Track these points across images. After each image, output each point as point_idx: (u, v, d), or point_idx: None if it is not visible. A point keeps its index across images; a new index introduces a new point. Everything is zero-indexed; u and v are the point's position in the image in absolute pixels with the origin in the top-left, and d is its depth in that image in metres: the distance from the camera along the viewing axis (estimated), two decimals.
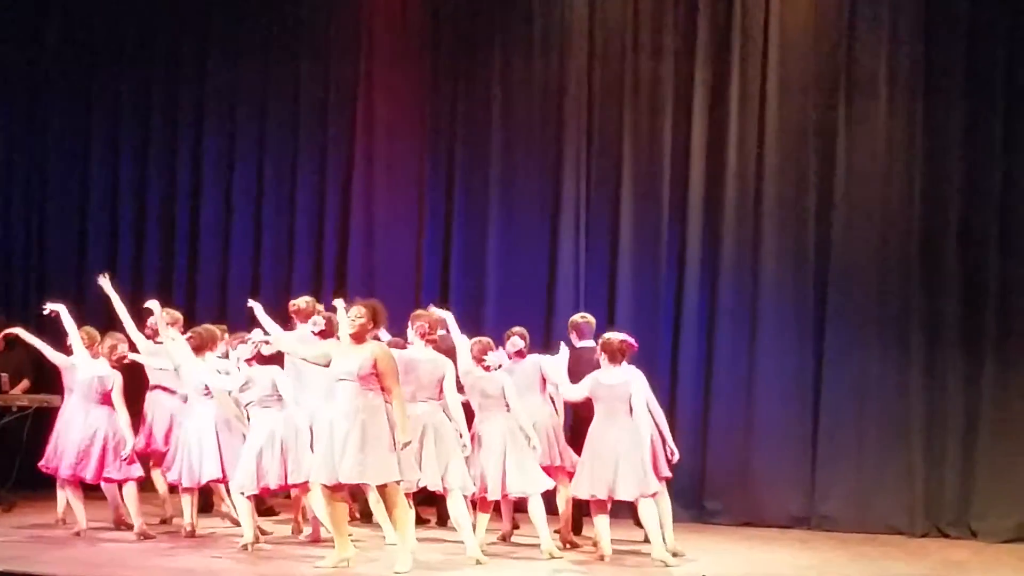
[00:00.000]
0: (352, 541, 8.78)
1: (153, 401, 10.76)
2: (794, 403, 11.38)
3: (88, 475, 9.94)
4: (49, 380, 11.65)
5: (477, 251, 12.47)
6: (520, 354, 9.99)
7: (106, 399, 10.00)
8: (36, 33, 13.64)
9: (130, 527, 10.02)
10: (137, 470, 10.06)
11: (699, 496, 11.48)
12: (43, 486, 11.69)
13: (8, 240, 13.66)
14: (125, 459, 9.97)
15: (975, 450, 10.94)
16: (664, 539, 9.16)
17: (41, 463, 10.27)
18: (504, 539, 9.98)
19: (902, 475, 11.07)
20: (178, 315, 10.85)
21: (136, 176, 13.52)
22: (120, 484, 10.04)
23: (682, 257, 11.83)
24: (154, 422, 10.66)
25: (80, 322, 12.87)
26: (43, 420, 10.47)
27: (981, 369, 10.96)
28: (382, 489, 8.51)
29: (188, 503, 9.89)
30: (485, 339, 9.67)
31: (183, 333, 10.32)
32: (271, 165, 13.19)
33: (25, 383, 11.92)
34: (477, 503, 9.48)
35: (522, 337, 10.06)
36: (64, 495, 10.19)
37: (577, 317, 10.54)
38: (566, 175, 12.23)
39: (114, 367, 10.11)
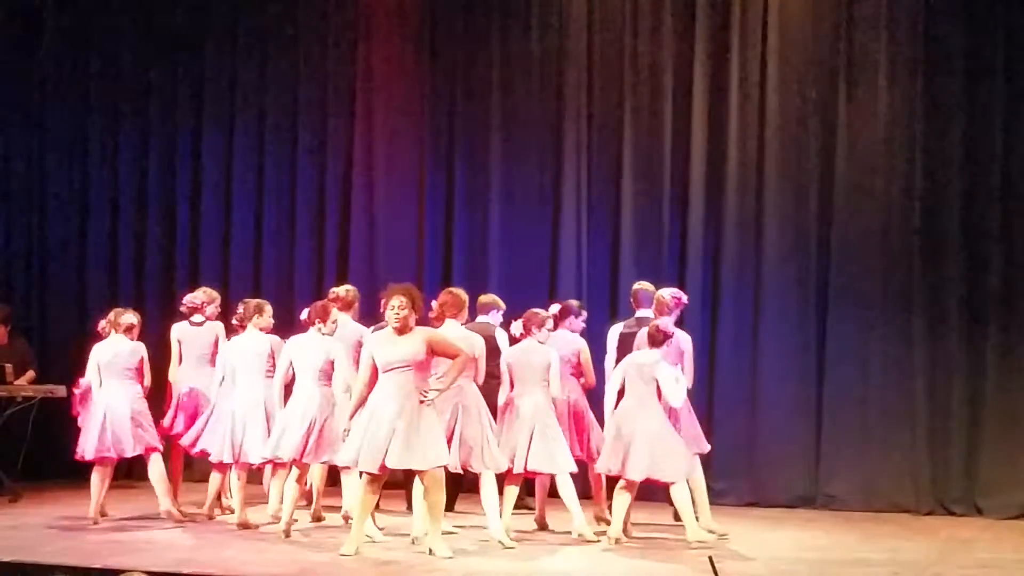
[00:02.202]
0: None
1: (181, 381, 10.51)
2: (798, 383, 11.40)
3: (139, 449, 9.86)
4: (54, 371, 11.65)
5: (479, 234, 12.44)
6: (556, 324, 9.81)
7: (138, 374, 9.95)
8: (33, 29, 13.53)
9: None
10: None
11: (704, 476, 11.45)
12: (47, 477, 11.75)
13: (8, 238, 13.59)
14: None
15: (980, 427, 10.96)
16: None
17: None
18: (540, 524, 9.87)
19: (907, 453, 11.09)
20: (215, 295, 10.73)
21: (136, 164, 13.42)
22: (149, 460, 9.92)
23: (684, 238, 11.83)
24: (179, 404, 10.38)
25: (81, 317, 12.97)
26: (48, 410, 10.42)
27: (985, 346, 10.98)
28: (425, 474, 8.44)
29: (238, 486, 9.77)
30: (542, 312, 9.56)
31: (221, 311, 10.41)
32: (271, 151, 13.10)
33: (31, 374, 11.85)
34: (504, 479, 9.33)
35: (563, 305, 10.00)
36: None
37: (636, 285, 10.32)
38: (567, 157, 12.21)
39: (132, 339, 10.00)
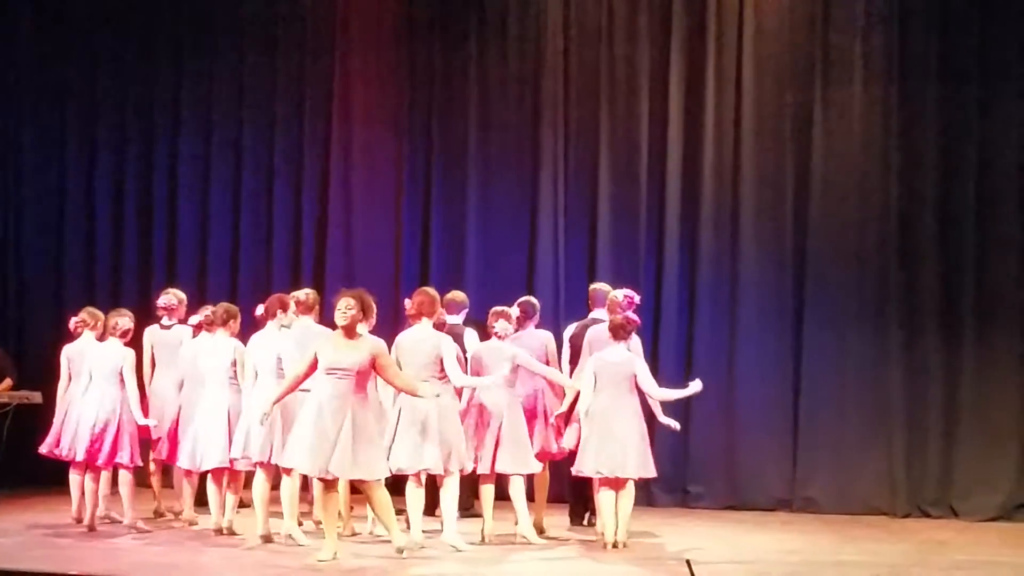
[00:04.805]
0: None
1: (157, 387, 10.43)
2: (775, 386, 11.43)
3: (101, 460, 9.58)
4: (30, 376, 11.59)
5: (456, 239, 12.43)
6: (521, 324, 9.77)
7: (120, 379, 9.70)
8: (9, 32, 13.47)
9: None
10: (138, 456, 9.78)
11: (682, 480, 11.50)
12: (24, 483, 11.67)
13: None
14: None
15: (956, 430, 11.03)
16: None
17: (52, 451, 9.79)
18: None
19: (884, 456, 11.14)
20: (182, 295, 10.71)
21: (113, 170, 13.35)
22: (119, 469, 9.72)
23: (661, 244, 11.85)
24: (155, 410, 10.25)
25: (57, 322, 12.87)
26: (24, 417, 10.31)
27: (960, 350, 11.05)
28: (364, 483, 8.45)
29: (188, 492, 9.70)
30: (501, 308, 9.52)
31: (189, 314, 10.25)
32: (248, 156, 13.06)
33: (8, 382, 11.75)
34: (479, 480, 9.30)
35: (521, 308, 9.91)
36: (77, 485, 9.81)
37: (592, 285, 10.42)
38: (544, 162, 12.22)
39: (125, 344, 9.83)
